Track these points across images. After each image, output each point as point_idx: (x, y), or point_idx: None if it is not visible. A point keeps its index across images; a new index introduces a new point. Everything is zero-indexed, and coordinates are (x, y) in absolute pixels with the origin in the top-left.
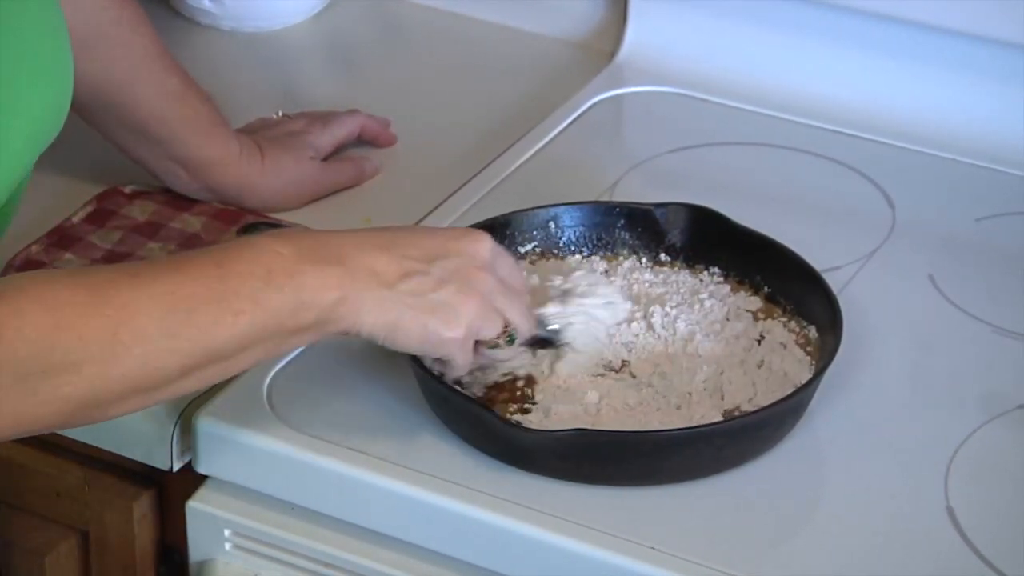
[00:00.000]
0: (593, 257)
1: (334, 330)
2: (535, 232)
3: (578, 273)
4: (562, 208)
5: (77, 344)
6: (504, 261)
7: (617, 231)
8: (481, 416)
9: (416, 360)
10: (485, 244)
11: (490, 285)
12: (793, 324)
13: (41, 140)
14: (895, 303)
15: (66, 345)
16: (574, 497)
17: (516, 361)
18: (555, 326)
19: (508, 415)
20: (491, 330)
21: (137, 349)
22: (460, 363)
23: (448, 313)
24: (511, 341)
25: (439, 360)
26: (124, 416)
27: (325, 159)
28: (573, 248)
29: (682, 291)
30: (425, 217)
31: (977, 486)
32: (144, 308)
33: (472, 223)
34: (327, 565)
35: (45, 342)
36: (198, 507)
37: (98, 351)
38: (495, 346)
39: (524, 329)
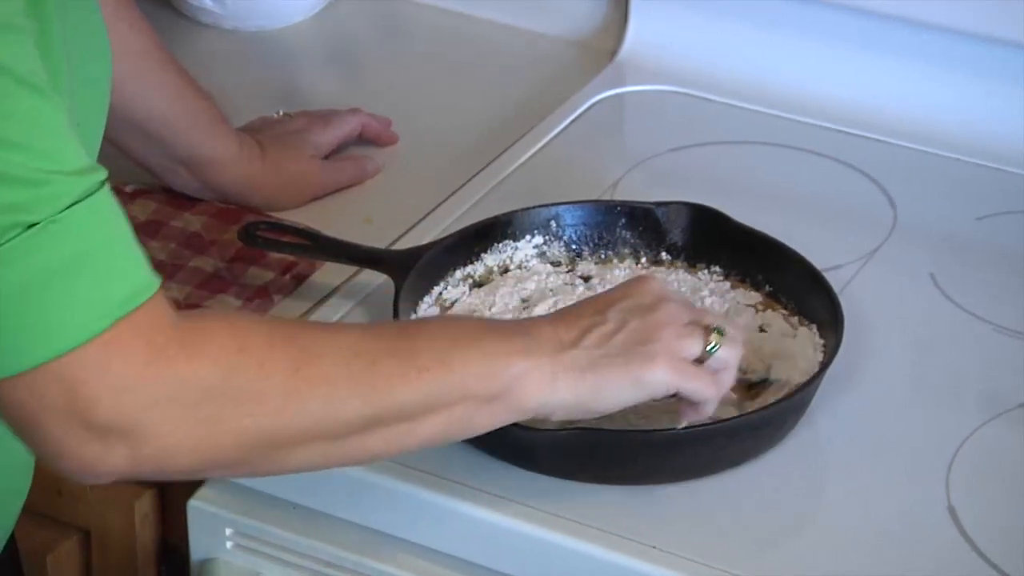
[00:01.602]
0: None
1: (529, 405)
2: (536, 231)
3: None
4: (563, 207)
5: (259, 373)
6: (673, 293)
7: (618, 230)
8: None
9: None
10: (651, 281)
11: (670, 308)
12: (794, 322)
13: (105, 111)
14: (896, 302)
15: (248, 372)
16: (575, 496)
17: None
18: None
19: None
20: (695, 345)
21: (319, 390)
22: (698, 386)
23: (643, 350)
24: (721, 333)
25: (691, 406)
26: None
27: (326, 158)
28: (574, 248)
29: (683, 290)
30: (426, 216)
31: (979, 485)
32: (327, 352)
33: (473, 222)
34: (328, 564)
35: (228, 365)
36: (199, 506)
37: (280, 384)
38: (710, 355)
39: (723, 324)
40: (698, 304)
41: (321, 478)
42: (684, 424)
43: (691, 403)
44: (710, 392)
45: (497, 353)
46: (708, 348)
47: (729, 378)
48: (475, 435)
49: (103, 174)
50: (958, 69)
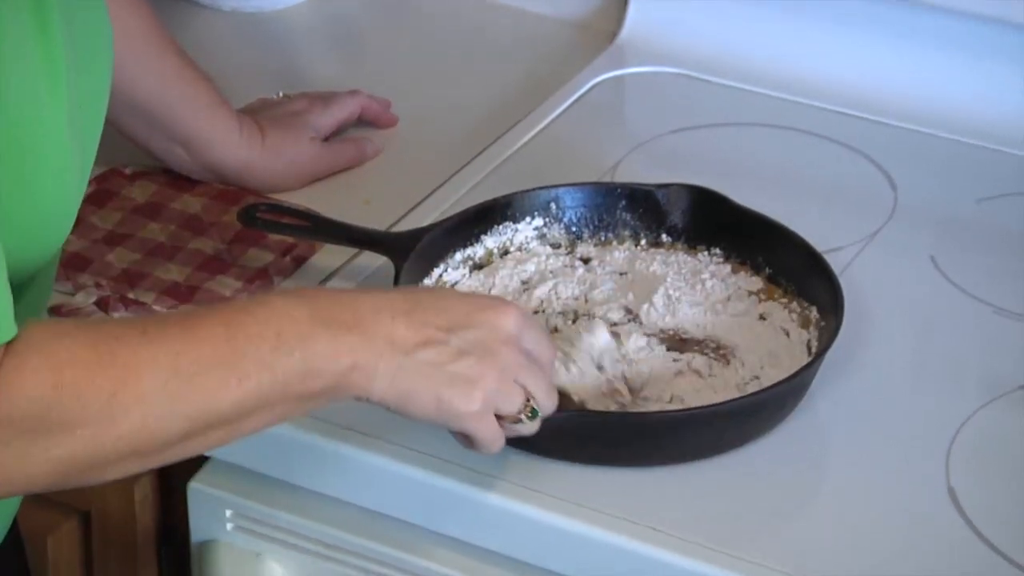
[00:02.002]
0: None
1: (344, 396)
2: (536, 213)
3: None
4: (563, 189)
5: (75, 404)
6: (531, 333)
7: (618, 212)
8: None
9: None
10: (511, 316)
11: (512, 359)
12: (794, 305)
13: (107, 94)
14: (896, 284)
15: (64, 405)
16: (575, 478)
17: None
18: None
19: None
20: (511, 405)
21: (136, 412)
22: (485, 438)
23: (465, 386)
24: (534, 415)
25: (464, 437)
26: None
27: (326, 140)
28: (573, 230)
29: (683, 272)
30: (426, 198)
31: (978, 467)
32: (147, 370)
33: (473, 204)
34: (328, 546)
35: (43, 401)
36: (199, 488)
37: (96, 413)
38: (517, 421)
39: (547, 405)
40: (698, 287)
41: (321, 460)
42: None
43: (469, 441)
44: (494, 448)
45: (323, 354)
46: (518, 418)
47: (497, 446)
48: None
49: None
50: (959, 50)
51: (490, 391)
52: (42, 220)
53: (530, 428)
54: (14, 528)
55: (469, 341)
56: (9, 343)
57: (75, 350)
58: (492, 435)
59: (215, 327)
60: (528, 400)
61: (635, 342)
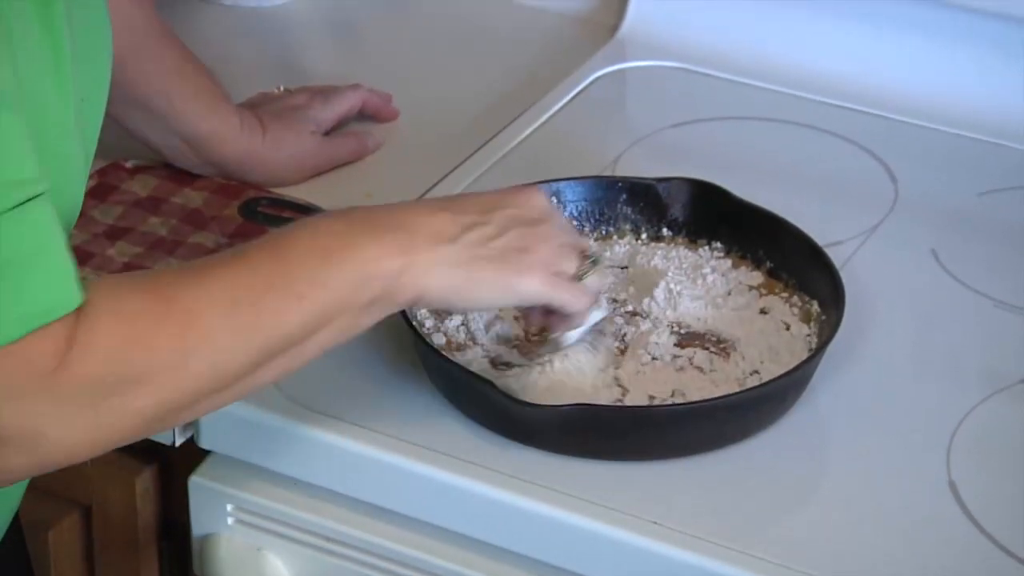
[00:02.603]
0: None
1: (403, 300)
2: None
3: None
4: (564, 183)
5: (148, 354)
6: (558, 215)
7: (619, 206)
8: (483, 391)
9: (419, 334)
10: (540, 196)
11: (553, 224)
12: (795, 299)
13: (107, 86)
14: (897, 278)
15: (138, 358)
16: (576, 472)
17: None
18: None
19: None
20: (570, 263)
21: (205, 349)
22: (566, 298)
23: (520, 257)
24: (595, 263)
25: (545, 314)
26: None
27: (327, 134)
28: (574, 224)
29: (684, 266)
30: (427, 192)
31: (979, 460)
32: (207, 307)
33: None
34: (329, 540)
35: (119, 358)
36: (200, 482)
37: (169, 359)
38: (583, 276)
39: (601, 254)
40: (699, 281)
41: (322, 454)
42: (556, 333)
43: (561, 315)
44: (581, 303)
45: (371, 259)
46: (581, 272)
47: (593, 300)
48: (357, 334)
49: (42, 187)
50: (960, 44)
51: (546, 254)
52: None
53: (598, 280)
54: (16, 521)
55: (508, 217)
56: (81, 312)
57: (137, 303)
58: (572, 293)
59: (262, 256)
60: (584, 255)
61: (658, 337)
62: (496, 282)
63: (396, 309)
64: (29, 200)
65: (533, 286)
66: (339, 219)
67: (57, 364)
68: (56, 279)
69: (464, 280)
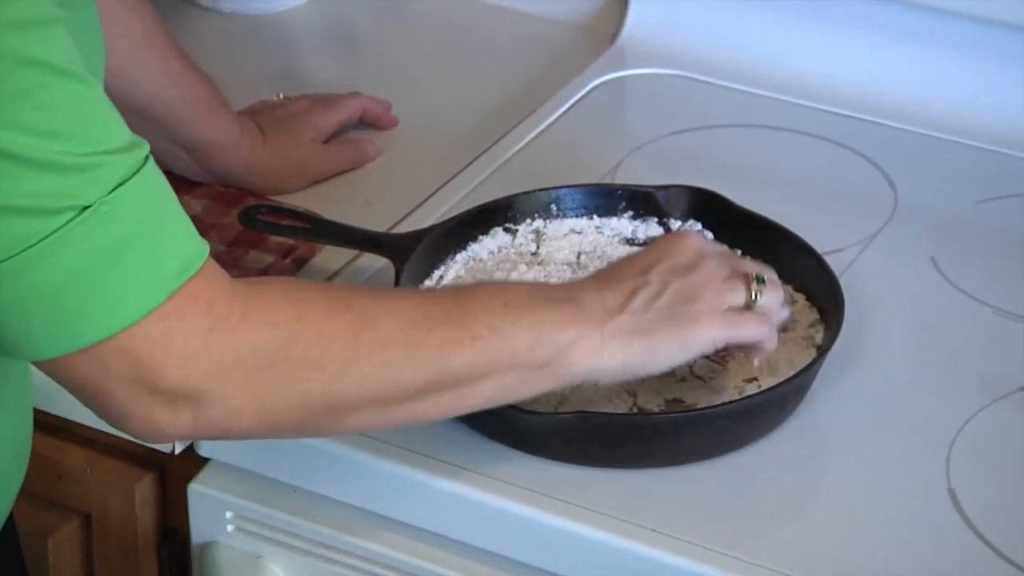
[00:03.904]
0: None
1: (577, 371)
2: (536, 214)
3: None
4: (564, 190)
5: (319, 340)
6: (710, 248)
7: (618, 213)
8: None
9: None
10: (691, 237)
11: (709, 264)
12: (795, 306)
13: None
14: (897, 285)
15: (308, 339)
16: (576, 479)
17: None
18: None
19: None
20: (738, 294)
21: (377, 355)
22: (749, 334)
23: (688, 310)
24: (761, 281)
25: (752, 349)
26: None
27: (326, 141)
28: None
29: None
30: (427, 199)
31: (979, 468)
32: (385, 318)
33: (474, 205)
34: (329, 547)
35: (288, 332)
36: (200, 489)
37: (339, 351)
38: (755, 301)
39: (768, 274)
40: None
41: (321, 461)
42: (757, 363)
43: (751, 348)
44: (763, 331)
45: (548, 322)
46: (751, 296)
47: (776, 319)
48: (522, 399)
49: (146, 147)
50: (959, 52)
51: (711, 298)
52: None
53: (772, 295)
54: (11, 529)
55: (665, 271)
56: (248, 282)
57: (312, 293)
58: (749, 327)
59: (444, 295)
60: (748, 279)
61: None
62: (672, 343)
63: (570, 382)
64: (141, 167)
65: (709, 335)
66: (523, 284)
67: (214, 324)
68: (181, 236)
69: (641, 350)
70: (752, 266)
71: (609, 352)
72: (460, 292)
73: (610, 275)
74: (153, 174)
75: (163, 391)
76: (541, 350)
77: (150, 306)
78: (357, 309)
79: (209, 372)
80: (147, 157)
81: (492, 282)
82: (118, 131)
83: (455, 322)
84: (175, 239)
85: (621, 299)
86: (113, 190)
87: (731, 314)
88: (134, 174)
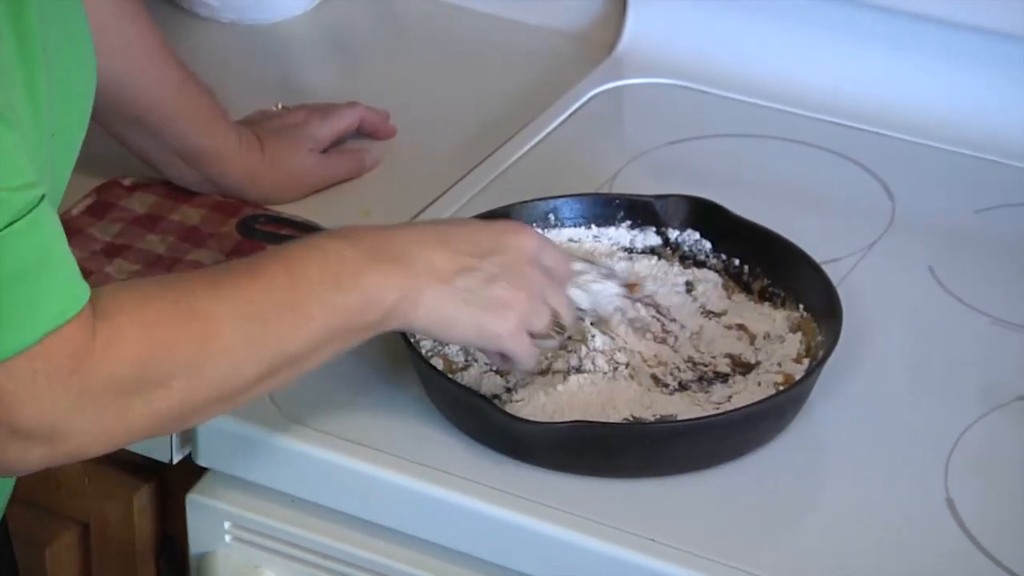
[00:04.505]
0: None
1: (394, 326)
2: (535, 224)
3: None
4: (562, 200)
5: (169, 359)
6: (550, 251)
7: (616, 223)
8: (481, 408)
9: (417, 352)
10: (531, 238)
11: (537, 279)
12: (793, 315)
13: (85, 123)
14: (895, 294)
15: (159, 362)
16: (573, 489)
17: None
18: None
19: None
20: (541, 323)
21: (222, 360)
22: (522, 355)
23: (501, 309)
24: (560, 330)
25: (503, 358)
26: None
27: (324, 151)
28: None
29: (681, 281)
30: (424, 210)
31: (977, 477)
32: (227, 320)
33: (472, 215)
34: (327, 557)
35: (141, 361)
36: (198, 499)
37: (187, 364)
38: (546, 337)
39: (570, 321)
40: (697, 297)
41: (320, 472)
42: (486, 362)
43: (506, 360)
44: (528, 364)
45: (377, 286)
46: (547, 334)
47: (539, 360)
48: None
49: (42, 189)
50: (957, 62)
51: (522, 312)
52: None
53: (556, 343)
54: (5, 537)
55: (499, 264)
56: (101, 309)
57: (161, 309)
58: (527, 352)
59: (278, 274)
60: (553, 317)
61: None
62: (471, 328)
63: (382, 331)
64: (34, 207)
65: (500, 338)
66: (348, 244)
67: (77, 365)
68: (64, 281)
69: (446, 319)
70: (563, 305)
71: (423, 311)
72: (294, 268)
73: (450, 237)
74: (45, 215)
75: (19, 429)
76: (370, 313)
77: (20, 346)
78: (202, 315)
79: (67, 411)
80: (42, 198)
81: (320, 245)
82: (17, 170)
83: (290, 308)
84: (57, 282)
85: (451, 271)
86: (3, 228)
87: (524, 334)
88: (25, 214)
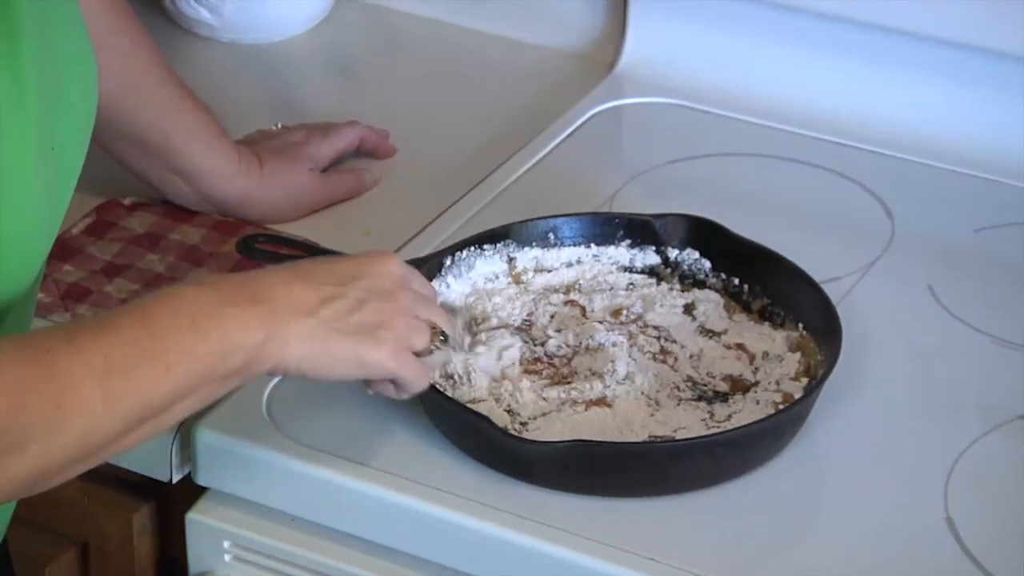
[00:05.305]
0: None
1: (262, 370)
2: (534, 243)
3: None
4: (561, 219)
5: (24, 423)
6: (414, 276)
7: (616, 241)
8: (480, 428)
9: None
10: (394, 262)
11: (408, 297)
12: (793, 335)
13: (86, 137)
14: (894, 314)
15: (14, 426)
16: (573, 508)
17: (455, 358)
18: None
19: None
20: (422, 339)
21: (79, 418)
22: (409, 376)
23: (375, 331)
24: (444, 340)
25: (389, 385)
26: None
27: (324, 170)
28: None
29: (678, 301)
30: (425, 228)
31: (976, 497)
32: (82, 377)
33: (471, 234)
34: None
35: None
36: (198, 519)
37: (44, 427)
38: (431, 352)
39: (450, 330)
40: (694, 315)
41: (319, 491)
42: (372, 393)
43: (395, 387)
44: (420, 385)
45: (237, 331)
46: (431, 348)
47: (434, 377)
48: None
49: None
50: (956, 81)
51: (399, 330)
52: (2, 261)
53: (444, 355)
54: (5, 557)
55: (365, 289)
56: None
57: (14, 371)
58: (415, 372)
59: (135, 325)
60: (434, 329)
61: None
62: (349, 358)
63: (253, 379)
64: None
65: (382, 362)
66: (204, 289)
67: None
68: None
69: (320, 355)
70: (440, 316)
71: (291, 350)
72: (149, 316)
73: (307, 272)
74: None
75: None
76: (232, 359)
77: None
78: (57, 374)
79: None
80: None
81: (175, 292)
82: None
83: (147, 357)
84: None
85: (314, 302)
86: None
87: (407, 353)
88: None
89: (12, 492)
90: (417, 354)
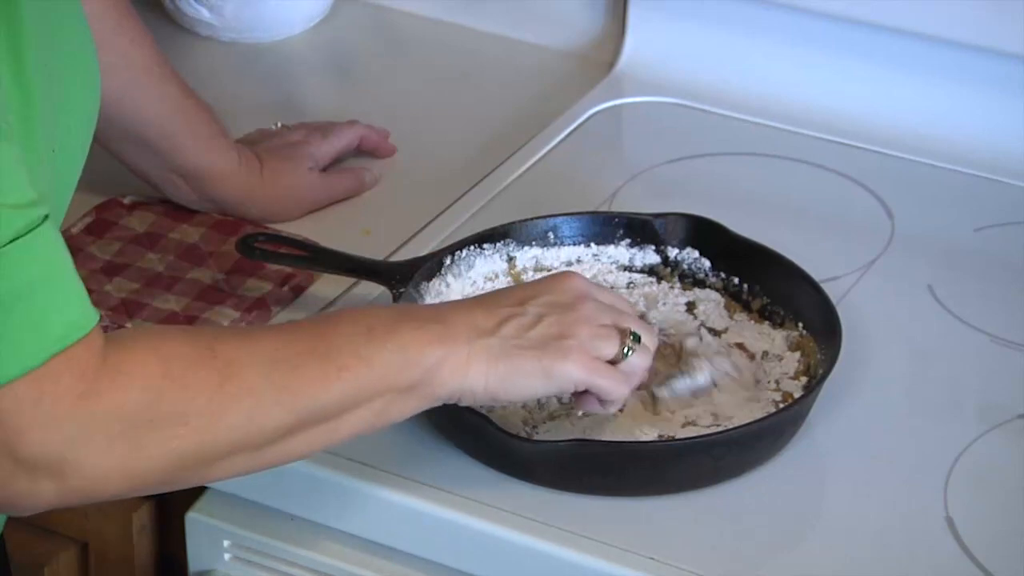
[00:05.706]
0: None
1: (443, 392)
2: (534, 242)
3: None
4: (561, 218)
5: (184, 395)
6: (601, 290)
7: (616, 241)
8: (482, 428)
9: None
10: (577, 278)
11: (591, 307)
12: (792, 334)
13: (88, 137)
14: (894, 313)
15: (174, 395)
16: (574, 507)
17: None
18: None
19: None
20: (610, 346)
21: (243, 402)
22: (606, 386)
23: (558, 342)
24: (637, 340)
25: (587, 398)
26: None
27: (324, 170)
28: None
29: (680, 299)
30: (425, 227)
31: (976, 496)
32: (250, 361)
33: (471, 233)
34: None
35: (154, 392)
36: (197, 518)
37: (205, 403)
38: (624, 357)
39: (645, 333)
40: (695, 315)
41: (319, 490)
42: (581, 413)
43: (596, 398)
44: (619, 392)
45: (412, 343)
46: (623, 351)
47: (636, 381)
48: (392, 423)
49: (44, 208)
50: (956, 80)
51: (583, 339)
52: None
53: (642, 358)
54: (4, 558)
55: (543, 304)
56: (115, 339)
57: (177, 346)
58: (611, 381)
59: (307, 328)
60: (625, 334)
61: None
62: (535, 372)
63: (437, 402)
64: (37, 226)
65: (571, 372)
66: (384, 308)
67: (85, 389)
68: (70, 302)
69: (505, 373)
70: (634, 322)
71: (474, 372)
72: (322, 323)
73: (486, 299)
74: (49, 235)
75: (25, 458)
76: (409, 371)
77: (23, 368)
78: (221, 356)
79: (73, 439)
80: (45, 217)
81: (354, 309)
82: (18, 188)
83: (320, 356)
84: (62, 303)
85: (493, 323)
86: (5, 245)
87: (597, 362)
88: (28, 232)
89: (178, 468)
90: (611, 362)
